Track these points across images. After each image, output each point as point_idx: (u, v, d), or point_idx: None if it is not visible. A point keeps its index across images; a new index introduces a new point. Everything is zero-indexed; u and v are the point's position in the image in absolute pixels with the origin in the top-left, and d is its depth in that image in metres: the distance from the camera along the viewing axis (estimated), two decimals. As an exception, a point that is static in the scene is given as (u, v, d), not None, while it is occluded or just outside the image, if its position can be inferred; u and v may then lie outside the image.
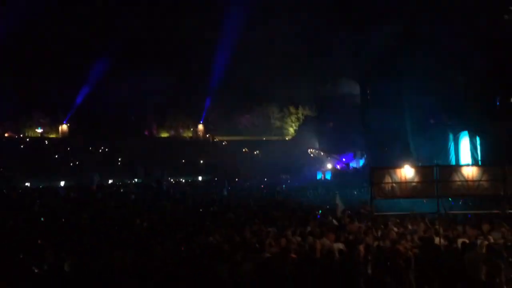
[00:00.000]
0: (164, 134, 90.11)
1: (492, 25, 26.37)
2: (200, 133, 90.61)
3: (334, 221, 15.53)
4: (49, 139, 78.64)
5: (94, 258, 10.18)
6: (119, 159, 70.76)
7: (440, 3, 29.93)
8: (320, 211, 18.52)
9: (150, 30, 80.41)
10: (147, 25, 79.71)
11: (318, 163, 63.57)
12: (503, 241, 11.39)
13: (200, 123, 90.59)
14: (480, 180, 12.14)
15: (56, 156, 69.18)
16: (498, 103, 27.10)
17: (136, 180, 59.62)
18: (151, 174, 57.56)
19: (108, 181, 56.80)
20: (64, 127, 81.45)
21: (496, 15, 26.63)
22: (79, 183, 45.47)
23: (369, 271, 10.26)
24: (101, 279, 8.80)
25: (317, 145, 66.82)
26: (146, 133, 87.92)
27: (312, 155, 69.15)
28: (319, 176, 57.64)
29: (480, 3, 27.46)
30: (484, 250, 10.08)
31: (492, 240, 11.18)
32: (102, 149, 75.49)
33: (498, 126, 24.58)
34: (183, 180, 62.06)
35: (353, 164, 53.53)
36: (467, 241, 11.03)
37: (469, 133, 27.74)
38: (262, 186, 47.81)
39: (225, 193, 35.94)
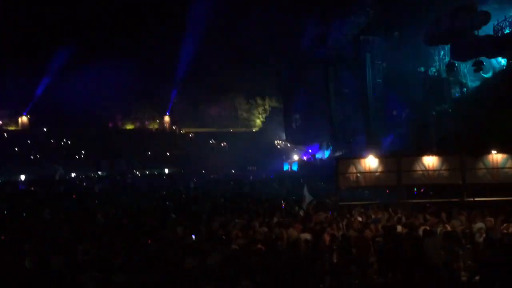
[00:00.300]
0: (130, 126, 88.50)
1: (452, 21, 27.09)
2: (167, 125, 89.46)
3: (301, 212, 15.74)
4: (8, 132, 75.77)
5: (57, 253, 9.95)
6: (83, 152, 69.11)
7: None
8: (283, 202, 18.71)
9: (116, 20, 78.43)
10: (113, 14, 77.71)
11: (285, 154, 64.01)
12: (461, 229, 11.84)
13: (167, 115, 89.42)
14: (440, 170, 12.56)
15: (16, 149, 66.80)
16: (457, 94, 27.97)
17: (100, 173, 58.47)
18: (116, 167, 56.63)
19: (71, 174, 55.53)
20: (24, 119, 78.53)
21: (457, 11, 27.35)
22: (41, 177, 44.20)
23: (335, 259, 10.46)
24: (64, 274, 8.61)
25: (284, 137, 67.14)
26: (110, 125, 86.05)
27: (279, 146, 69.58)
28: (286, 167, 58.08)
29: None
30: (442, 238, 10.44)
31: (449, 228, 11.60)
32: (64, 142, 73.46)
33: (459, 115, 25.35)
34: (149, 173, 61.34)
35: (319, 155, 54.15)
36: (427, 228, 11.39)
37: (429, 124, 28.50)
38: (229, 178, 47.84)
39: (192, 185, 35.76)
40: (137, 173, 59.47)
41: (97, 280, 8.04)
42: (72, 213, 18.23)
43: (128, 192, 29.36)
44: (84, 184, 40.63)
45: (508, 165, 12.52)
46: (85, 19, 73.55)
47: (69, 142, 73.19)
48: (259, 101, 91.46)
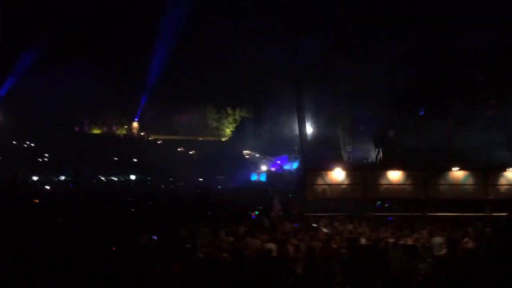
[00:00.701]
0: (97, 131, 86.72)
1: (420, 38, 28.07)
2: (135, 131, 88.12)
3: (267, 222, 15.80)
4: (-32, 133, 72.92)
5: (17, 259, 9.64)
6: (46, 155, 67.12)
7: (372, 15, 31.42)
8: (257, 212, 18.75)
9: (86, 22, 77.10)
10: (84, 17, 76.38)
11: (253, 165, 64.06)
12: (422, 242, 12.19)
13: (135, 121, 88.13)
14: (404, 184, 12.91)
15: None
16: (422, 113, 28.88)
17: (63, 177, 56.92)
18: (80, 172, 55.29)
19: (33, 178, 53.85)
20: (-14, 119, 75.83)
21: (425, 29, 28.38)
22: (1, 179, 42.63)
23: (299, 270, 10.56)
24: (26, 280, 8.36)
25: (253, 147, 67.28)
26: (76, 129, 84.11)
27: (248, 156, 69.61)
28: (254, 178, 58.13)
29: (410, 16, 29.16)
30: (403, 251, 10.72)
31: (411, 242, 11.93)
32: (27, 144, 71.18)
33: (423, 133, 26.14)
34: (116, 179, 60.14)
35: (287, 167, 54.51)
36: (390, 241, 11.67)
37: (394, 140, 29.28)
38: (196, 186, 47.50)
39: (159, 192, 35.34)
40: (102, 178, 58.21)
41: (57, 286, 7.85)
42: (33, 217, 17.65)
43: (92, 198, 28.69)
44: (47, 187, 39.46)
45: (468, 182, 13.01)
46: (54, 20, 71.92)
47: (32, 144, 71.00)
48: (229, 111, 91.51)
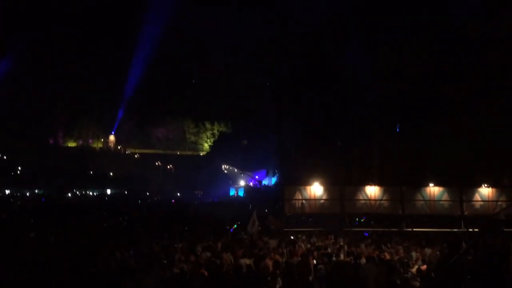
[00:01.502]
0: (72, 144, 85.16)
1: (393, 57, 28.65)
2: (111, 145, 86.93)
3: (245, 237, 15.63)
4: None
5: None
6: (19, 168, 65.45)
7: (344, 33, 32.05)
8: (235, 226, 18.58)
9: (61, 33, 76.26)
10: (59, 27, 75.55)
11: (231, 179, 63.84)
12: (398, 258, 12.21)
13: (112, 134, 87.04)
14: (381, 200, 12.93)
15: None
16: (398, 129, 29.35)
17: (36, 191, 55.48)
18: (54, 185, 54.00)
19: (5, 191, 52.40)
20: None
21: (396, 48, 29.00)
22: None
23: (278, 285, 10.40)
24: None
25: (231, 162, 67.15)
26: (51, 141, 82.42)
27: (226, 171, 69.38)
28: (232, 192, 57.86)
29: (381, 36, 29.83)
30: (380, 266, 10.71)
31: (388, 257, 11.93)
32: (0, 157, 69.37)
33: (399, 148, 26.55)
34: (91, 193, 58.96)
35: (265, 182, 54.47)
36: (366, 256, 11.64)
37: (372, 156, 29.63)
38: (173, 200, 46.94)
39: (135, 207, 34.71)
40: (77, 192, 56.98)
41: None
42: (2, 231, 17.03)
43: (65, 212, 27.93)
44: (18, 202, 38.29)
45: (444, 197, 13.13)
46: (28, 30, 70.91)
47: (4, 157, 69.19)
48: (207, 125, 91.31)
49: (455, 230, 13.11)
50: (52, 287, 8.43)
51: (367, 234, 16.72)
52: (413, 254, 12.26)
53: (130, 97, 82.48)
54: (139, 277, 9.26)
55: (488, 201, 13.29)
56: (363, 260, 11.45)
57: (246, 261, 11.02)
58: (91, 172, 69.98)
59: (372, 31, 31.53)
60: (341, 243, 13.18)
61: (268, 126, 50.73)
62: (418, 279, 10.45)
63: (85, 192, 58.82)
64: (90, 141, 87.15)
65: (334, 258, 11.73)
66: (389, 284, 9.98)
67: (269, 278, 10.04)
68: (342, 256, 11.99)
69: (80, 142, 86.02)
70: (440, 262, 9.69)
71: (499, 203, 13.16)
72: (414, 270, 11.15)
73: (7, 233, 16.70)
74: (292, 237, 14.83)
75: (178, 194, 58.53)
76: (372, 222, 19.42)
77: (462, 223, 12.90)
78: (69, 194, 52.29)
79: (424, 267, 10.59)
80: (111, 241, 14.44)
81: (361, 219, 19.27)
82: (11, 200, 40.61)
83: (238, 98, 75.62)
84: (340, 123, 32.96)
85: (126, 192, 57.74)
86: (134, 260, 11.30)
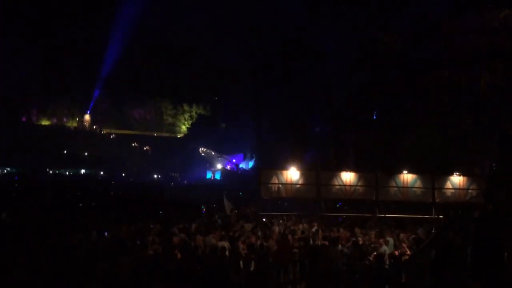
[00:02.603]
0: (46, 122, 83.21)
1: (373, 43, 28.82)
2: (87, 124, 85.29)
3: (219, 220, 15.70)
4: None
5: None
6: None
7: (326, 17, 32.05)
8: (203, 207, 18.61)
9: (38, 7, 73.84)
10: (34, 1, 73.13)
11: (208, 162, 63.74)
12: (369, 242, 12.47)
13: (87, 114, 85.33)
14: (356, 185, 13.12)
15: None
16: (374, 117, 29.69)
17: (8, 169, 54.29)
18: (26, 164, 52.94)
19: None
20: None
21: (378, 34, 29.16)
22: None
23: (252, 268, 10.51)
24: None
25: (208, 145, 66.93)
26: (23, 119, 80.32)
27: (203, 154, 69.20)
28: (209, 176, 57.83)
29: (363, 20, 29.95)
30: (352, 248, 10.94)
31: (361, 242, 12.16)
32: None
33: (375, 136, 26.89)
34: (65, 173, 58.05)
35: (242, 165, 54.57)
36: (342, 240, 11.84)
37: (348, 142, 29.92)
38: (149, 182, 46.70)
39: (110, 188, 34.40)
40: (50, 171, 56.01)
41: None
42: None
43: (39, 192, 27.47)
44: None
45: (416, 185, 13.41)
46: (2, 1, 68.41)
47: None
48: (186, 107, 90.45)
49: (426, 216, 13.46)
50: (25, 268, 8.28)
51: (341, 219, 17.00)
52: (389, 239, 12.53)
53: (107, 76, 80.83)
54: (114, 258, 9.20)
55: (459, 189, 13.66)
56: (339, 246, 11.65)
57: (222, 244, 11.07)
58: (65, 152, 68.73)
59: (351, 16, 31.61)
60: (316, 228, 13.37)
61: (247, 110, 50.57)
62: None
63: (59, 172, 57.86)
64: (65, 119, 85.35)
65: (308, 242, 11.90)
66: (362, 267, 10.19)
67: (243, 261, 10.13)
68: (317, 241, 12.15)
69: (54, 120, 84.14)
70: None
71: (470, 191, 13.55)
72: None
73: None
74: (264, 220, 14.96)
75: (155, 176, 58.19)
76: (345, 208, 19.74)
77: (433, 210, 13.23)
78: (43, 174, 51.36)
79: (396, 252, 10.81)
80: (85, 222, 14.32)
81: (337, 204, 19.53)
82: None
83: (217, 81, 75.13)
84: (317, 109, 33.13)
85: (101, 173, 57.11)
86: (109, 241, 11.23)
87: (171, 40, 77.78)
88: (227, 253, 10.26)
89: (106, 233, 12.20)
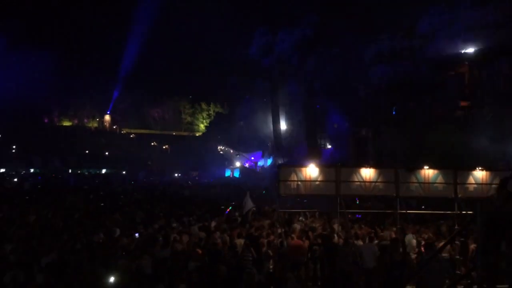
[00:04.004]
0: (67, 123, 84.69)
1: (392, 42, 28.49)
2: (107, 124, 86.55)
3: (239, 218, 15.73)
4: None
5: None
6: (14, 147, 65.18)
7: (345, 16, 31.78)
8: (230, 208, 18.65)
9: (59, 10, 75.18)
10: (57, 4, 74.43)
11: (227, 160, 63.92)
12: (391, 239, 12.33)
13: (107, 114, 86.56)
14: (376, 181, 12.97)
15: None
16: (394, 112, 29.33)
17: (32, 170, 55.43)
18: (49, 165, 53.95)
19: (0, 170, 52.32)
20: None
21: (396, 33, 28.83)
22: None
23: (271, 266, 10.53)
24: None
25: (227, 143, 67.08)
26: (46, 120, 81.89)
27: (222, 152, 69.43)
28: (228, 173, 57.99)
29: (383, 20, 29.61)
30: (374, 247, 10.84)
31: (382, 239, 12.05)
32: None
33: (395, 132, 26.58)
34: (87, 173, 58.95)
35: (261, 163, 54.58)
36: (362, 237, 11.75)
37: (367, 138, 29.68)
38: (169, 181, 47.08)
39: (130, 187, 34.80)
40: (72, 172, 56.98)
41: (19, 280, 7.62)
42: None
43: (61, 191, 27.97)
44: (15, 180, 38.29)
45: (438, 180, 13.19)
46: (25, 6, 69.87)
47: (-1, 135, 68.89)
48: (203, 105, 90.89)
49: (449, 212, 13.25)
50: (51, 265, 8.46)
51: (359, 216, 16.83)
52: (410, 235, 12.38)
53: (126, 77, 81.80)
54: (136, 256, 9.33)
55: (482, 184, 13.38)
56: (359, 242, 11.58)
57: (240, 241, 11.12)
58: (87, 152, 69.83)
59: (370, 13, 31.32)
60: (336, 225, 13.30)
61: (265, 108, 50.49)
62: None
63: (81, 172, 58.81)
64: (86, 120, 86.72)
65: (328, 240, 11.84)
66: (386, 266, 10.10)
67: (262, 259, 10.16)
68: (336, 238, 12.10)
69: (75, 121, 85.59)
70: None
71: (493, 186, 13.25)
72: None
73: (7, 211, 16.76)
74: (286, 218, 14.95)
75: (176, 175, 58.67)
76: (368, 204, 19.58)
77: (456, 206, 13.02)
78: (66, 174, 52.29)
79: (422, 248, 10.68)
80: (107, 221, 14.53)
81: (356, 201, 19.37)
82: (7, 178, 40.59)
83: (234, 79, 75.11)
84: (336, 105, 32.89)
85: (123, 172, 57.81)
86: (131, 239, 11.39)
87: (189, 38, 78.20)
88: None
89: (131, 232, 12.35)
